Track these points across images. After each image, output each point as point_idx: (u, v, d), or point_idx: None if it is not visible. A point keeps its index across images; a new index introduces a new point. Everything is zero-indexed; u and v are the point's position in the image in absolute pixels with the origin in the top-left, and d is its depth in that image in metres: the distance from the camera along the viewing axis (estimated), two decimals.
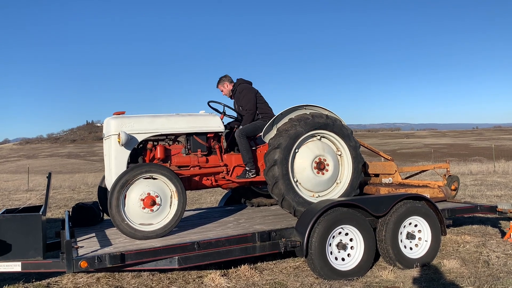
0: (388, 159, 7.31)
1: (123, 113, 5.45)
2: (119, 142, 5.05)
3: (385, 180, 6.87)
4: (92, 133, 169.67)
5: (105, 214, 5.98)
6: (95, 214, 5.96)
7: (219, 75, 6.32)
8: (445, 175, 7.04)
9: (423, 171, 8.19)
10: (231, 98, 6.39)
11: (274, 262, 5.62)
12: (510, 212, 6.03)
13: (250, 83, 6.25)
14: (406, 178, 7.58)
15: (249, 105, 5.98)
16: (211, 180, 5.71)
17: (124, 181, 4.78)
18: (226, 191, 7.72)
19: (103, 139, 5.63)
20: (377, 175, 7.00)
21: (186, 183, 5.50)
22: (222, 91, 6.36)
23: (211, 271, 5.16)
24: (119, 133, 5.05)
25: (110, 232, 5.29)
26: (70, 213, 5.93)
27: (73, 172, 43.14)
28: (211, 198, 12.79)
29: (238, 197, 7.05)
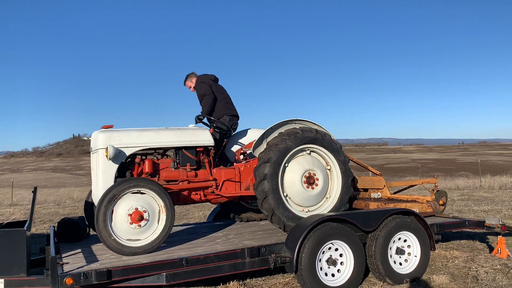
0: (377, 174, 7.34)
1: (111, 126, 5.40)
2: (107, 156, 4.99)
3: (374, 194, 6.88)
4: (78, 147, 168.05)
5: (91, 230, 5.86)
6: (81, 229, 5.85)
7: None
8: (433, 190, 7.08)
9: (412, 186, 8.23)
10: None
11: (263, 278, 5.55)
12: (498, 227, 6.07)
13: (212, 78, 6.47)
14: (395, 193, 7.61)
15: (203, 92, 6.30)
16: (200, 194, 5.65)
17: (112, 196, 4.71)
18: (214, 206, 7.65)
19: (91, 153, 5.56)
20: (366, 190, 7.01)
21: (175, 198, 5.44)
22: (190, 87, 6.60)
23: (199, 287, 5.07)
24: (107, 147, 4.99)
25: (97, 248, 5.18)
26: (55, 228, 5.81)
27: (58, 186, 42.46)
28: (199, 213, 12.67)
29: (227, 212, 6.99)
